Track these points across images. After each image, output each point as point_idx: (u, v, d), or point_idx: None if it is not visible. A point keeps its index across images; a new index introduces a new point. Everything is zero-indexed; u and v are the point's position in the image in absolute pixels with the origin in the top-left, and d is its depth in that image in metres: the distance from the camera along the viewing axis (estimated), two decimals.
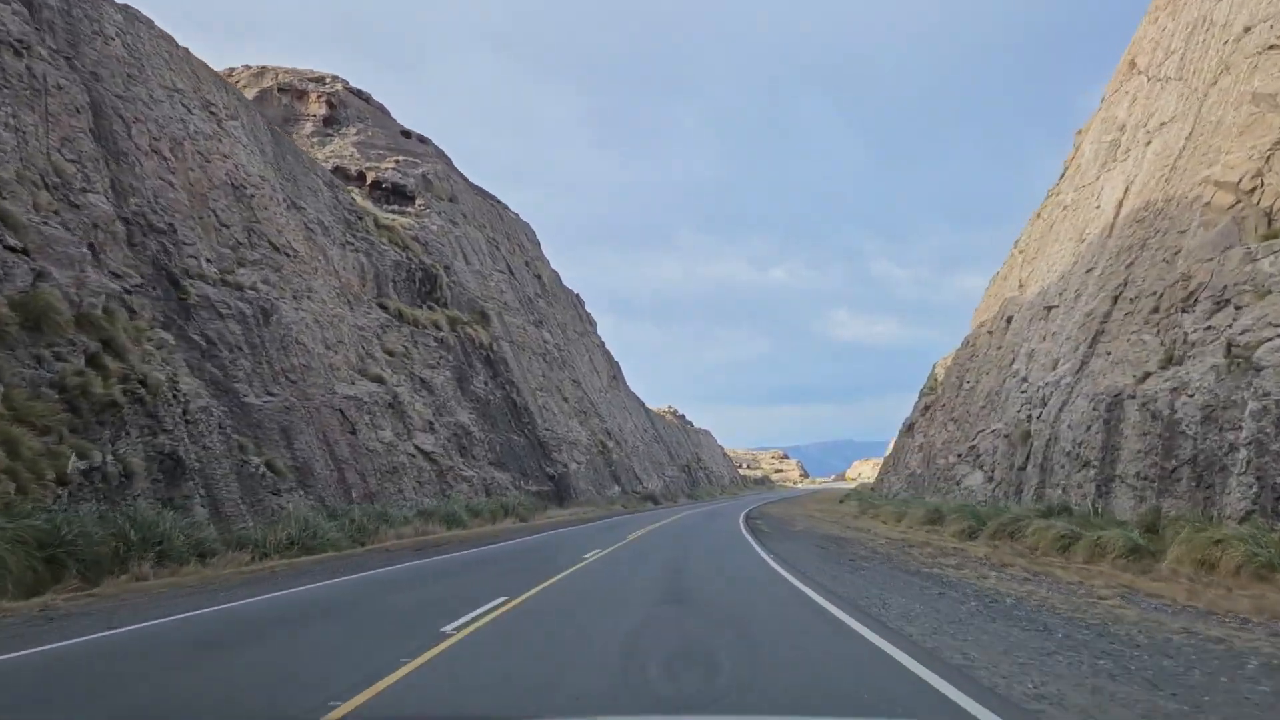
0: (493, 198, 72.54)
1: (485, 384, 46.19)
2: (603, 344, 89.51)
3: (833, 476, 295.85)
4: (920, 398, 78.03)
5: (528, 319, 62.93)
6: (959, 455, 32.55)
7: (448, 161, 65.48)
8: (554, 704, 5.93)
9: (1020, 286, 35.41)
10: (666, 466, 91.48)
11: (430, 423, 34.84)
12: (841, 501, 71.06)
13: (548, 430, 54.41)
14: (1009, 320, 34.60)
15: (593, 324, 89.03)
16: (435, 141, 65.34)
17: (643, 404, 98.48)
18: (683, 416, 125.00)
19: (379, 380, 32.81)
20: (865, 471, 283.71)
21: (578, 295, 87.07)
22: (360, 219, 45.30)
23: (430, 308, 46.35)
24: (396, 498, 28.94)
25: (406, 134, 62.88)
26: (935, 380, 72.19)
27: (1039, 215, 38.31)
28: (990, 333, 37.22)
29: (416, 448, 32.48)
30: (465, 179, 67.72)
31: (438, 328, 44.30)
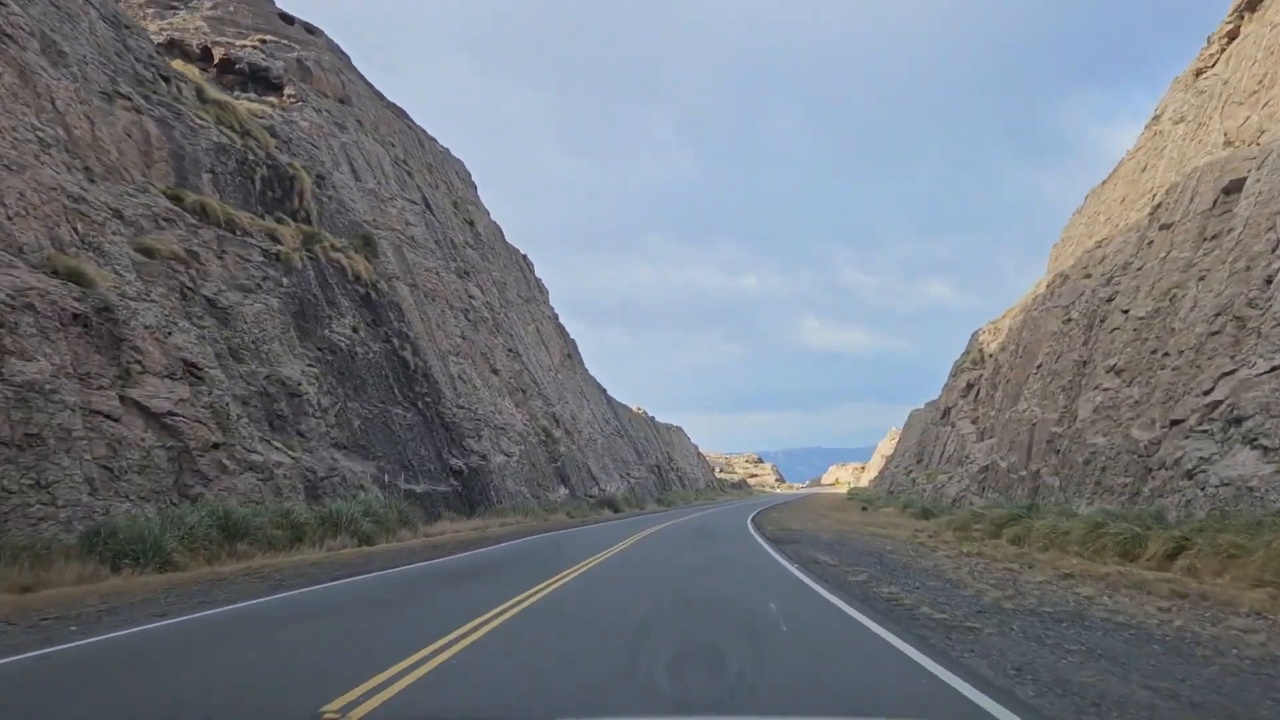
0: (411, 120, 56.82)
1: (353, 332, 30.60)
2: (556, 317, 74.03)
3: (808, 482, 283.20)
4: (954, 376, 63.70)
5: (446, 264, 47.30)
6: (1168, 424, 17.36)
7: (344, 59, 49.71)
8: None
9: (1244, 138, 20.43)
10: (633, 466, 76.20)
11: (190, 366, 19.18)
12: (865, 508, 56.38)
13: (462, 408, 38.84)
14: (1225, 191, 19.61)
15: (544, 292, 73.52)
16: (332, 36, 49.56)
17: (605, 392, 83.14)
18: (652, 418, 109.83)
19: (74, 277, 17.20)
20: (843, 477, 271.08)
21: (525, 257, 71.54)
22: (166, 80, 29.84)
23: (279, 219, 30.86)
24: (32, 495, 13.41)
25: (287, 18, 46.95)
26: (980, 352, 58.08)
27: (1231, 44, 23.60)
28: (1166, 227, 22.16)
29: (134, 403, 16.86)
30: (371, 87, 52.00)
31: (275, 240, 28.73)
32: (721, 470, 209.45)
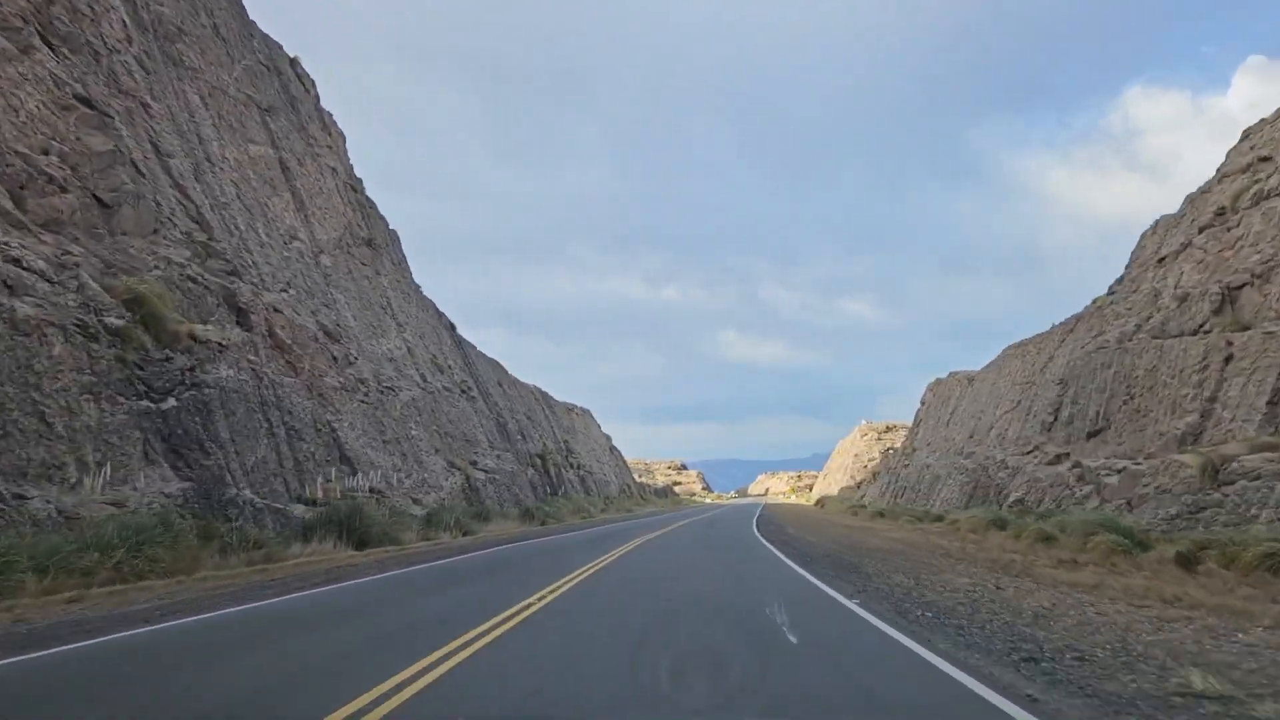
0: None
1: None
2: (351, 173, 41.82)
3: (734, 492, 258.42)
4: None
5: None
6: None
7: None
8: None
9: None
10: (486, 451, 44.27)
11: None
12: (950, 521, 26.13)
13: None
14: None
15: (322, 116, 41.17)
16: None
17: (453, 331, 51.04)
18: (546, 394, 77.79)
19: None
20: (774, 487, 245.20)
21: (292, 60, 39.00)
22: None
23: None
24: None
25: None
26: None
27: None
28: None
29: None
30: None
31: None
32: (642, 475, 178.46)
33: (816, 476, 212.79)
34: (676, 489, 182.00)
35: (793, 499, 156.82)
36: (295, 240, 31.67)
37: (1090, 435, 26.24)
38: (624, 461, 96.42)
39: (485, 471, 41.38)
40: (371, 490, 25.23)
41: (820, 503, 76.92)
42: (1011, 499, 28.74)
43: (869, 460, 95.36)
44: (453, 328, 51.29)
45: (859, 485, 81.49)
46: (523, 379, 71.22)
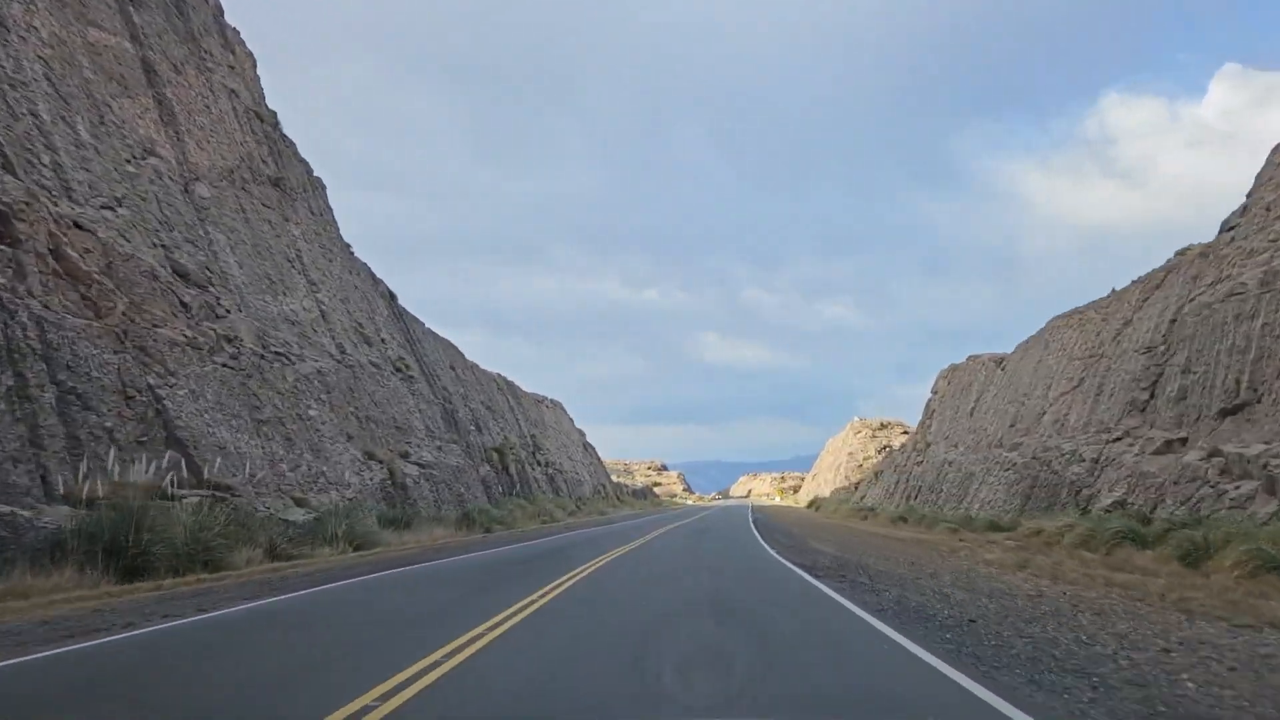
0: None
1: None
2: (262, 100, 34.11)
3: (715, 494, 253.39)
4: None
5: None
6: None
7: None
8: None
9: None
10: (426, 442, 36.54)
11: None
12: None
13: None
14: None
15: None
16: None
17: (394, 301, 43.26)
18: (511, 383, 70.04)
19: None
20: (757, 488, 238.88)
21: None
22: None
23: None
24: None
25: None
26: None
27: None
28: None
29: None
30: None
31: None
32: (622, 476, 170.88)
33: (802, 478, 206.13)
34: (656, 490, 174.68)
35: (777, 500, 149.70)
36: (151, 157, 23.84)
37: (1225, 413, 18.97)
38: (599, 460, 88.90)
39: (420, 465, 33.68)
40: (216, 487, 17.48)
41: (815, 505, 69.71)
42: (1106, 501, 21.43)
43: (865, 458, 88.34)
44: (392, 297, 43.51)
45: (856, 486, 74.36)
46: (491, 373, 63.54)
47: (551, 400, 79.01)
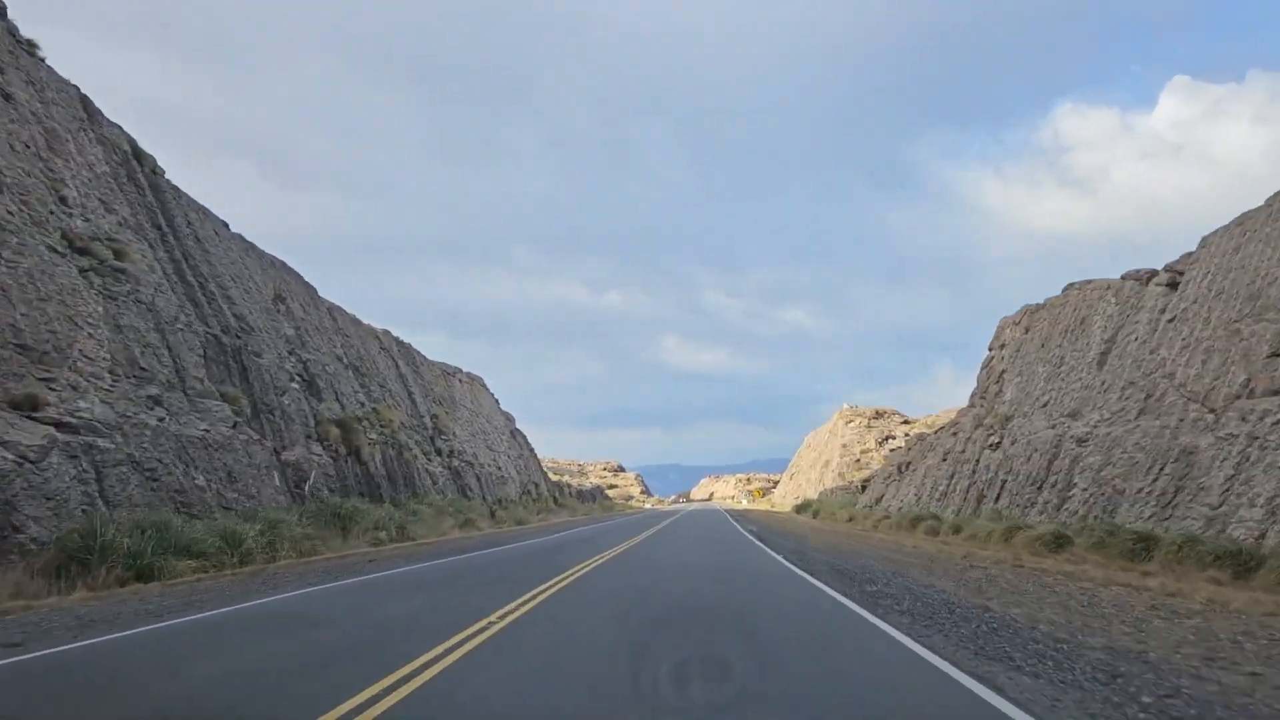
0: None
1: None
2: None
3: (674, 496, 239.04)
4: None
5: None
6: None
7: None
8: None
9: None
10: (126, 382, 18.33)
11: None
12: None
13: None
14: None
15: None
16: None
17: (134, 156, 24.92)
18: (399, 339, 51.66)
19: None
20: (721, 491, 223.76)
21: None
22: None
23: None
24: None
25: None
26: None
27: None
28: None
29: None
30: None
31: None
32: (575, 475, 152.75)
33: (771, 479, 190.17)
34: (611, 492, 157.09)
35: (744, 504, 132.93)
36: None
37: None
38: (532, 452, 70.77)
39: (63, 428, 15.63)
40: None
41: (813, 510, 52.63)
42: None
43: (862, 451, 71.66)
44: (137, 157, 25.26)
45: (863, 486, 57.52)
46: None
47: (467, 374, 60.84)
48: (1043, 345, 32.80)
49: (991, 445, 32.41)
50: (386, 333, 48.52)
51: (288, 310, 33.52)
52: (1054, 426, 28.04)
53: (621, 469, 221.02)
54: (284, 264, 35.66)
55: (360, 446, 31.82)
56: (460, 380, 58.25)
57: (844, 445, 73.07)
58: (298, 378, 30.24)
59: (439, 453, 47.82)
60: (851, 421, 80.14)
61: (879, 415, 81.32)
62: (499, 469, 57.43)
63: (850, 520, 41.64)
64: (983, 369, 39.09)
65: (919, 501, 38.81)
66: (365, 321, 46.59)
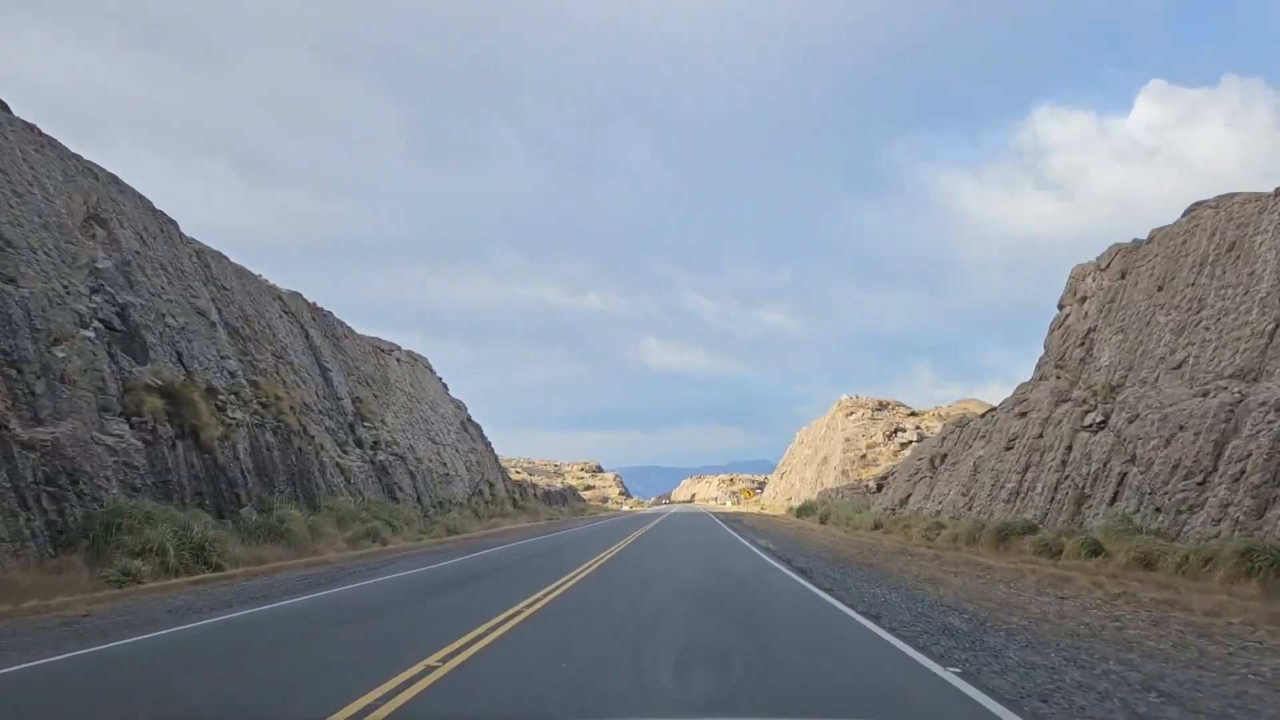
0: None
1: None
2: None
3: (654, 498, 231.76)
4: None
5: None
6: None
7: None
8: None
9: None
10: None
11: None
12: None
13: None
14: None
15: None
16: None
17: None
18: (318, 306, 41.96)
19: None
20: (703, 492, 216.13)
21: None
22: None
23: None
24: None
25: None
26: None
27: None
28: None
29: None
30: None
31: None
32: (551, 476, 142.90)
33: (756, 479, 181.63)
34: (588, 493, 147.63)
35: (730, 506, 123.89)
36: None
37: None
38: (488, 446, 61.11)
39: None
40: None
41: (819, 514, 43.52)
42: None
43: (869, 445, 62.66)
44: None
45: (878, 485, 48.52)
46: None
47: (408, 352, 51.21)
48: (1160, 288, 23.79)
49: (1092, 426, 23.34)
50: (296, 295, 38.91)
51: (110, 238, 23.84)
52: (1207, 393, 19.01)
53: (600, 469, 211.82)
54: (117, 180, 25.96)
55: (202, 427, 22.20)
56: (398, 359, 48.61)
57: (847, 439, 64.01)
58: (98, 324, 20.61)
59: (359, 443, 38.28)
60: (853, 414, 71.20)
61: (882, 406, 72.49)
62: (443, 465, 47.84)
63: (878, 528, 32.55)
64: (1053, 331, 30.10)
65: (970, 503, 29.80)
66: (266, 279, 37.05)
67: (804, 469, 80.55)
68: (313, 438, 32.40)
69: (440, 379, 56.24)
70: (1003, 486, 28.41)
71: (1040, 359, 30.17)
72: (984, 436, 32.47)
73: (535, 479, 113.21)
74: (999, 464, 28.40)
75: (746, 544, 27.05)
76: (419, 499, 41.00)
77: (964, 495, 31.06)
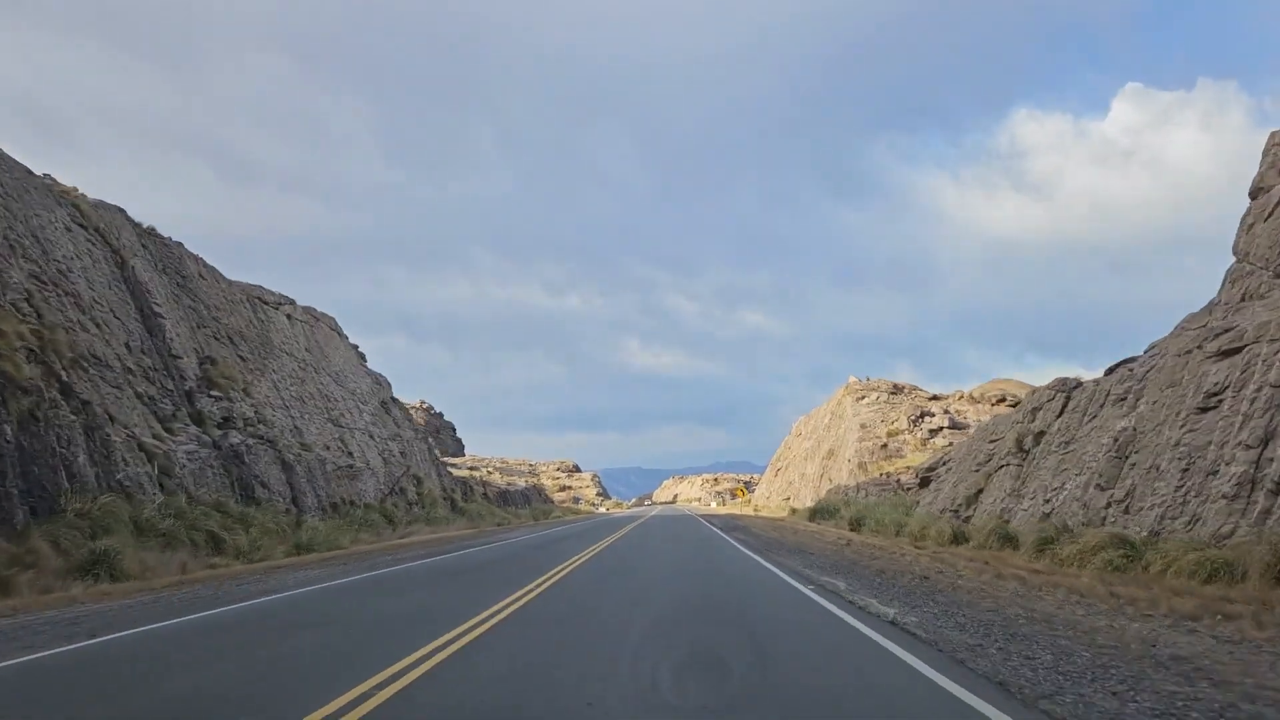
0: None
1: None
2: None
3: (633, 500, 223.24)
4: None
5: None
6: None
7: None
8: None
9: None
10: None
11: None
12: None
13: None
14: None
15: None
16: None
17: None
18: (175, 244, 29.98)
19: None
20: (686, 492, 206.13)
21: None
22: None
23: None
24: None
25: None
26: None
27: None
28: None
29: None
30: None
31: None
32: (527, 475, 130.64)
33: (741, 479, 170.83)
34: (563, 495, 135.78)
35: (715, 507, 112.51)
36: None
37: None
38: (418, 434, 49.07)
39: None
40: None
41: (849, 520, 32.17)
42: None
43: (890, 433, 51.44)
44: None
45: (922, 481, 37.33)
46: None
47: (304, 308, 39.22)
48: None
49: None
50: (100, 206, 26.97)
51: None
52: None
53: (577, 469, 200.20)
54: None
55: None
56: (289, 315, 36.72)
57: (863, 427, 52.81)
58: None
59: (199, 419, 26.49)
60: (864, 398, 60.04)
61: (898, 390, 61.45)
62: (347, 454, 36.02)
63: (961, 541, 21.23)
64: (1249, 229, 18.92)
65: (1106, 505, 18.64)
66: (54, 179, 25.21)
67: (804, 464, 69.31)
68: (87, 404, 20.64)
69: (356, 347, 44.30)
70: (1161, 480, 17.24)
71: (1230, 271, 19.04)
72: (1124, 400, 21.24)
73: (497, 477, 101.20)
74: (1190, 435, 17.14)
75: (789, 581, 15.57)
76: (295, 499, 29.23)
77: (1100, 489, 19.84)
